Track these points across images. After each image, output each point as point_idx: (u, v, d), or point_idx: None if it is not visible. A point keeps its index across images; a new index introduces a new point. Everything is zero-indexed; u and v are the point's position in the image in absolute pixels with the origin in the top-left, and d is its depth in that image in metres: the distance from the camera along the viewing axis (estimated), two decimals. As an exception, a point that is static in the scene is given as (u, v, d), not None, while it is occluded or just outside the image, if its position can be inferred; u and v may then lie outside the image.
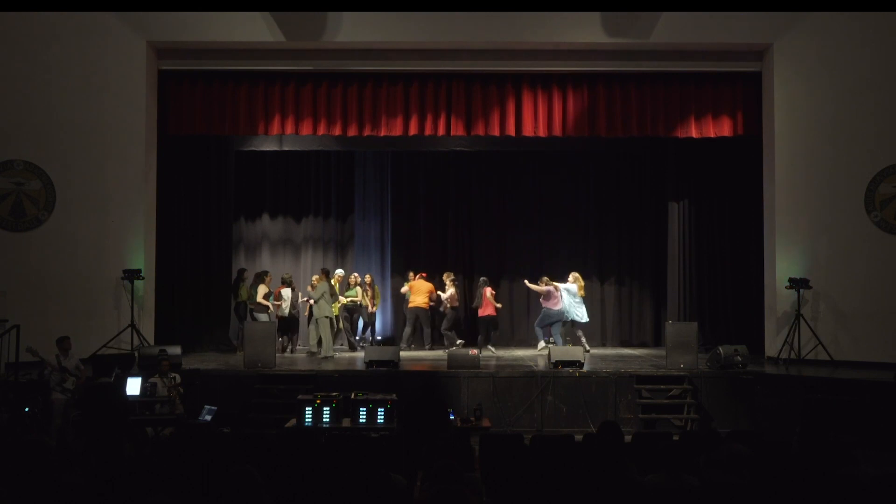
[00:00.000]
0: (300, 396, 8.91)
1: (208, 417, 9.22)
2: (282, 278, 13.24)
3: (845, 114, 11.48)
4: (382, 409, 8.61)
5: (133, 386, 9.18)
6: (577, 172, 14.83)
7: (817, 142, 11.63)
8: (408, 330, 13.37)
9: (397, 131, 12.33)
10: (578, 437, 7.16)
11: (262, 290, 12.79)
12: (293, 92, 12.27)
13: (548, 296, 12.67)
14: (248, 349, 10.82)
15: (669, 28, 11.60)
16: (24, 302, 10.99)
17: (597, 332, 14.44)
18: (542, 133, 12.39)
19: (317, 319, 12.24)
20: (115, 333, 11.38)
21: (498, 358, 12.19)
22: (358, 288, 13.46)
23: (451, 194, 14.82)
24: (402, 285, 13.80)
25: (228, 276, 13.57)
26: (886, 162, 11.34)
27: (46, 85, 11.55)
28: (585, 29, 11.63)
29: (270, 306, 12.77)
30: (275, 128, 12.37)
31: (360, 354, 12.43)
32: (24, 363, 9.54)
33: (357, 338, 13.62)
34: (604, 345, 14.35)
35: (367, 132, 12.36)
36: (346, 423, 8.67)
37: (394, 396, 8.83)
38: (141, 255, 11.74)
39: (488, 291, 12.97)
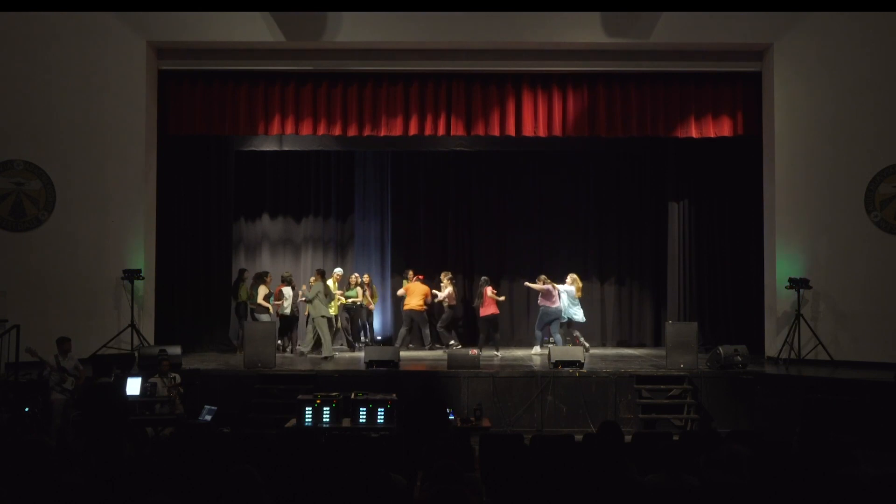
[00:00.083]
0: (300, 396, 8.92)
1: (208, 417, 9.23)
2: (282, 277, 13.24)
3: (845, 114, 11.48)
4: (382, 409, 8.62)
5: (133, 386, 9.18)
6: (577, 172, 14.83)
7: (817, 142, 11.63)
8: (403, 331, 13.37)
9: (397, 131, 12.33)
10: (578, 437, 7.16)
11: (262, 291, 12.77)
12: (293, 92, 12.28)
13: (546, 294, 12.66)
14: (248, 349, 10.82)
15: (669, 28, 11.60)
16: (24, 302, 10.99)
17: (597, 332, 14.45)
18: (542, 133, 12.39)
19: (313, 319, 12.25)
20: (115, 333, 11.39)
21: (502, 358, 12.19)
22: (358, 288, 13.46)
23: (451, 194, 14.82)
24: (402, 285, 13.78)
25: (228, 276, 13.57)
26: (886, 162, 11.34)
27: (46, 85, 11.56)
28: (585, 29, 11.63)
29: (271, 308, 12.76)
30: (275, 128, 12.38)
31: (360, 354, 12.43)
32: (24, 363, 9.55)
33: (363, 339, 13.62)
34: (604, 345, 14.35)
35: (367, 132, 12.36)
36: (346, 423, 8.68)
37: (394, 396, 8.83)
38: (141, 255, 11.74)
39: (489, 291, 12.96)
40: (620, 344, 14.42)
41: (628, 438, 6.79)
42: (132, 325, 11.39)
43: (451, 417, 8.94)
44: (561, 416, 10.20)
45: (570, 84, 12.38)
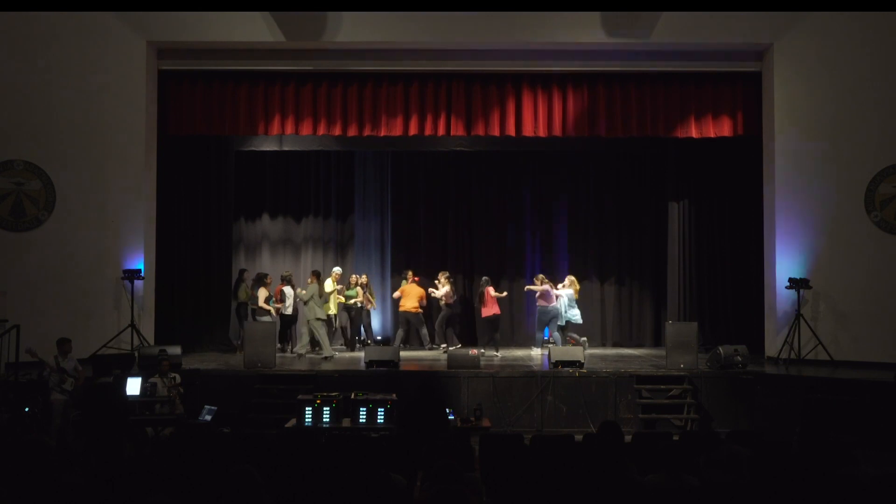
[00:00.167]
0: (300, 396, 8.91)
1: (208, 417, 9.23)
2: (281, 276, 13.23)
3: (845, 114, 11.48)
4: (382, 409, 8.62)
5: (133, 386, 9.19)
6: (577, 172, 14.82)
7: (817, 142, 11.63)
8: (400, 333, 13.37)
9: (397, 131, 12.33)
10: (578, 437, 7.16)
11: (262, 293, 12.76)
12: (293, 92, 12.28)
13: (544, 294, 12.69)
14: (248, 349, 10.82)
15: (669, 28, 11.59)
16: (24, 302, 10.99)
17: (597, 332, 14.45)
18: (542, 133, 12.39)
19: (308, 321, 12.26)
20: (115, 333, 11.39)
21: (502, 358, 12.20)
22: (358, 288, 13.46)
23: (451, 194, 14.82)
24: (401, 286, 13.75)
25: (228, 277, 13.58)
26: (886, 162, 11.34)
27: (46, 85, 11.55)
28: (585, 29, 11.63)
29: (272, 310, 12.74)
30: (275, 128, 12.38)
31: (360, 354, 12.43)
32: (24, 363, 9.55)
33: (360, 339, 13.62)
34: (604, 345, 14.35)
35: (367, 132, 12.36)
36: (346, 423, 8.68)
37: (393, 396, 8.83)
38: (141, 255, 11.74)
39: (491, 291, 12.96)
40: (620, 344, 14.42)
41: (628, 438, 6.79)
42: (132, 326, 11.39)
43: (451, 417, 8.94)
44: (561, 416, 10.20)
45: (570, 84, 12.38)
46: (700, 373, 10.49)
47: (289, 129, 12.38)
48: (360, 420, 8.62)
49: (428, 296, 13.45)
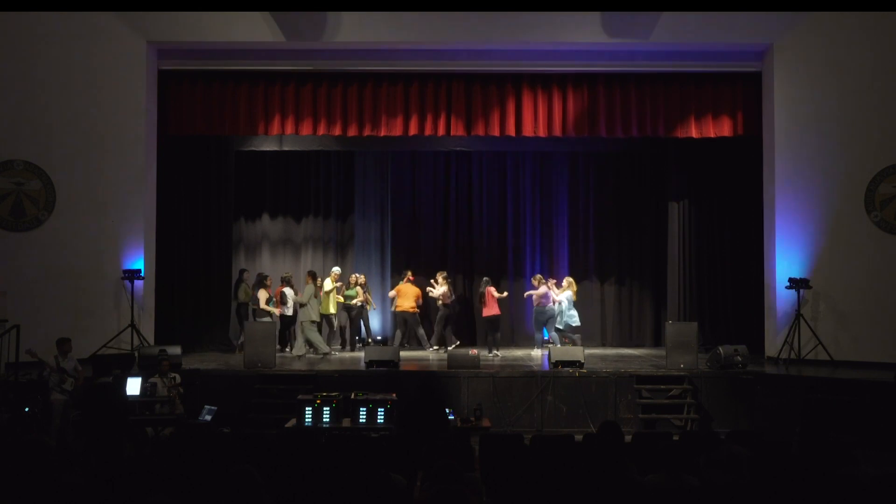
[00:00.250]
0: (300, 396, 8.91)
1: (208, 417, 9.23)
2: (281, 278, 13.22)
3: (845, 114, 11.48)
4: (382, 409, 8.62)
5: (133, 386, 9.19)
6: (577, 172, 14.82)
7: (817, 142, 11.63)
8: (398, 333, 13.37)
9: (397, 131, 12.33)
10: (578, 437, 7.16)
11: (262, 295, 12.74)
12: (293, 92, 12.28)
13: (543, 294, 12.72)
14: (248, 349, 10.81)
15: (669, 28, 11.59)
16: (24, 302, 10.97)
17: (597, 332, 14.45)
18: (542, 133, 12.39)
19: (301, 322, 12.26)
20: (115, 333, 11.39)
21: (502, 358, 12.20)
22: (358, 288, 13.46)
23: (451, 194, 14.82)
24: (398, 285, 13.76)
25: (228, 277, 13.58)
26: (886, 162, 11.34)
27: (46, 85, 11.55)
28: (585, 29, 11.63)
29: (273, 311, 12.74)
30: (275, 128, 12.38)
31: (360, 354, 12.43)
32: (24, 363, 9.54)
33: (359, 339, 13.63)
34: (604, 345, 14.35)
35: (367, 132, 12.37)
36: (346, 423, 8.68)
37: (393, 396, 8.83)
38: (141, 255, 11.74)
39: (492, 291, 12.97)
40: (620, 344, 14.41)
41: (628, 438, 6.79)
42: (132, 325, 11.39)
43: (451, 417, 8.94)
44: (561, 416, 10.20)
45: (570, 84, 12.38)
46: (700, 373, 10.49)
47: (289, 129, 12.38)
48: (360, 420, 8.61)
49: (424, 295, 13.45)
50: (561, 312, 12.68)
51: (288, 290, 12.97)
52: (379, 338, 14.05)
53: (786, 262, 11.72)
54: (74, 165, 11.61)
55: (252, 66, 12.18)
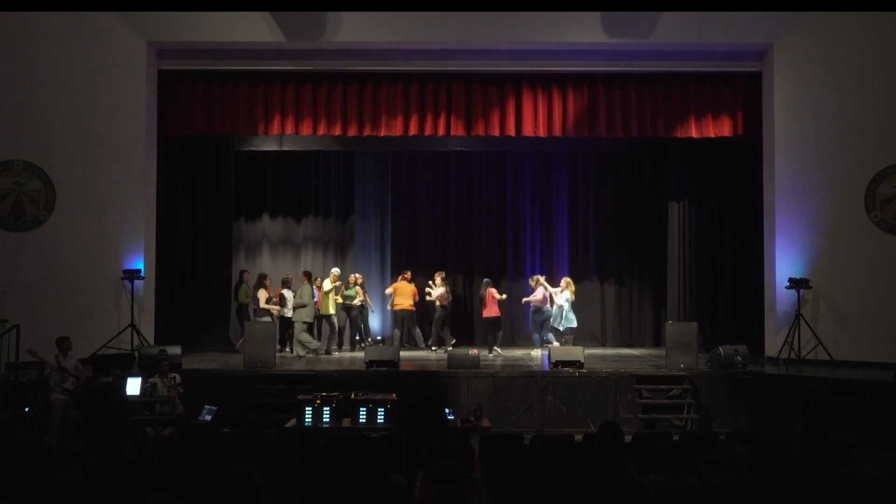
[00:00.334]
0: (300, 396, 8.91)
1: (208, 417, 9.23)
2: (282, 280, 13.24)
3: (845, 114, 11.48)
4: (382, 409, 8.61)
5: (133, 386, 9.19)
6: (577, 172, 14.82)
7: (817, 142, 11.63)
8: (397, 333, 13.37)
9: (397, 131, 12.33)
10: (578, 437, 7.16)
11: (262, 295, 12.78)
12: (293, 92, 12.28)
13: (541, 299, 12.76)
14: (248, 349, 10.82)
15: (669, 28, 11.59)
16: (24, 302, 10.98)
17: (597, 332, 14.46)
18: (542, 133, 12.39)
19: (294, 323, 12.27)
20: (115, 333, 11.39)
21: (503, 358, 12.20)
22: (358, 288, 13.46)
23: (450, 194, 14.82)
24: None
25: (228, 277, 13.59)
26: (886, 162, 11.34)
27: (46, 85, 11.55)
28: (585, 29, 11.63)
29: (273, 311, 12.74)
30: (275, 128, 12.38)
31: (359, 354, 12.43)
32: (24, 363, 9.55)
33: (358, 338, 13.63)
34: (604, 345, 14.35)
35: (367, 132, 12.36)
36: (346, 423, 8.67)
37: (393, 396, 8.83)
38: (141, 255, 11.74)
39: (493, 293, 12.97)
40: (620, 344, 14.41)
41: (628, 438, 6.78)
42: (132, 325, 11.39)
43: (451, 417, 8.94)
44: (561, 416, 10.20)
45: (570, 84, 12.38)
46: (700, 373, 10.48)
47: (289, 129, 12.38)
48: (360, 420, 8.61)
49: (421, 294, 13.44)
50: (562, 314, 12.67)
51: (287, 293, 12.98)
52: (379, 338, 14.05)
53: (786, 262, 11.72)
54: (74, 165, 11.61)
55: (252, 66, 12.18)
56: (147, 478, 4.57)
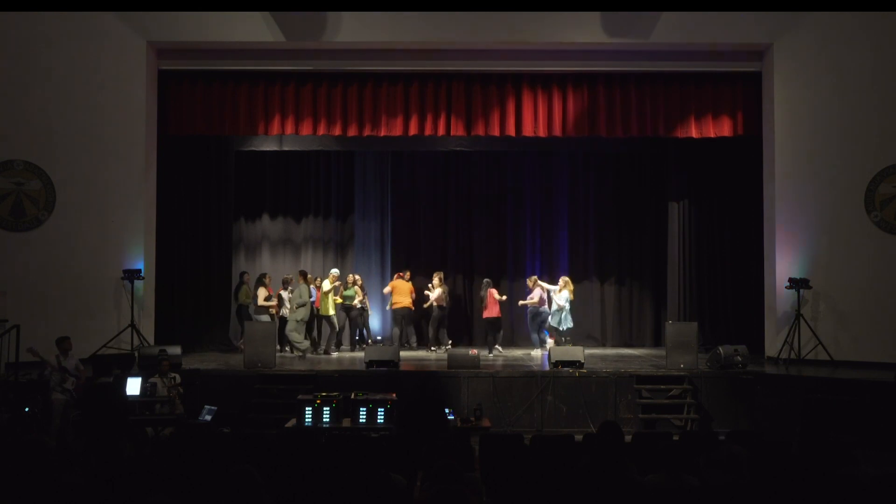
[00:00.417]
0: (300, 396, 8.90)
1: (208, 417, 9.23)
2: (282, 280, 13.24)
3: (845, 114, 11.48)
4: (382, 409, 8.60)
5: (133, 386, 9.19)
6: (577, 172, 14.82)
7: (817, 142, 11.63)
8: (396, 331, 13.37)
9: (397, 131, 12.33)
10: (578, 437, 7.15)
11: (262, 293, 12.81)
12: (293, 92, 12.28)
13: (538, 301, 12.78)
14: (248, 349, 10.82)
15: (669, 28, 11.59)
16: (24, 302, 10.99)
17: (597, 332, 14.46)
18: (542, 133, 12.39)
19: (287, 322, 12.30)
20: (115, 333, 11.39)
21: (504, 358, 12.20)
22: (357, 288, 13.46)
23: (451, 194, 14.82)
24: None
25: (228, 277, 13.59)
26: (886, 162, 11.34)
27: (46, 85, 11.55)
28: (585, 29, 11.63)
29: (271, 308, 12.75)
30: (275, 128, 12.38)
31: (359, 354, 12.43)
32: (24, 363, 9.55)
33: (358, 338, 13.63)
34: (604, 345, 14.35)
35: (367, 132, 12.36)
36: (346, 423, 8.67)
37: (393, 396, 8.83)
38: (141, 255, 11.74)
39: (494, 293, 12.97)
40: (620, 344, 14.42)
41: (628, 438, 6.78)
42: (132, 325, 11.39)
43: (451, 417, 8.94)
44: (561, 416, 10.20)
45: (570, 84, 12.38)
46: (700, 373, 10.49)
47: (289, 129, 12.38)
48: (360, 420, 8.60)
49: (421, 297, 13.43)
50: (562, 315, 12.68)
51: (286, 294, 12.99)
52: (379, 338, 14.05)
53: (786, 262, 11.72)
54: (74, 165, 11.61)
55: (252, 66, 12.18)
56: (147, 478, 4.57)
